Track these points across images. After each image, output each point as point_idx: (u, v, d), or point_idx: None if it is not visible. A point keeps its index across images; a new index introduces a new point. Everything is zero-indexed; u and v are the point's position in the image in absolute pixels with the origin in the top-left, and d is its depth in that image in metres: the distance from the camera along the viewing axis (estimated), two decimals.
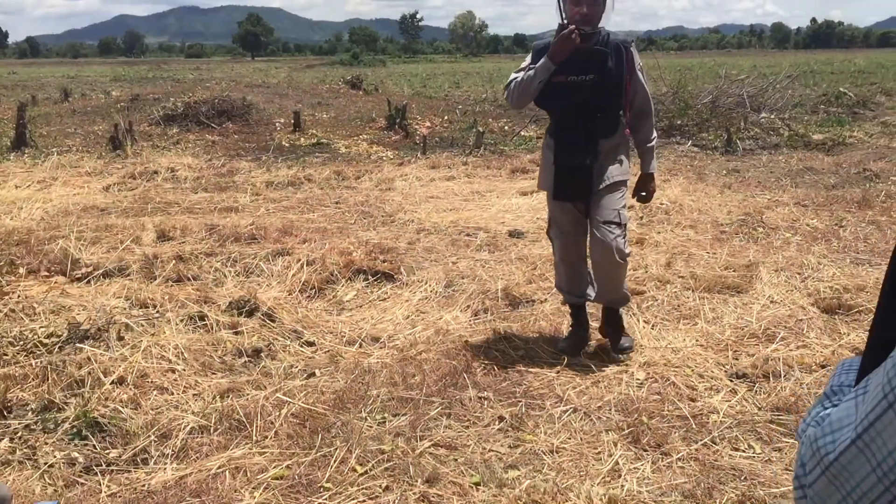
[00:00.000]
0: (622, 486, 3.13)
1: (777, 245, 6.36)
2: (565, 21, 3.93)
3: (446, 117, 17.56)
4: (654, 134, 4.18)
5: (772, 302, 4.92)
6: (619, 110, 4.09)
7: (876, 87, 23.41)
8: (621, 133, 4.11)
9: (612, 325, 4.35)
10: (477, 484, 3.17)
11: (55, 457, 3.27)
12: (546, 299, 5.14)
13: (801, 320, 4.63)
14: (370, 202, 8.38)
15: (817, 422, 1.00)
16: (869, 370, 0.95)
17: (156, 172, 10.08)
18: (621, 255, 4.07)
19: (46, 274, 5.19)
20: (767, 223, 7.06)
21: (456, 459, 3.37)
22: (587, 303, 4.45)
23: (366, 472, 3.26)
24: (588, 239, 4.24)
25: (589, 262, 4.32)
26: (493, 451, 3.43)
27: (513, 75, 4.10)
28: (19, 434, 3.45)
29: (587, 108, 4.01)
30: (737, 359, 4.21)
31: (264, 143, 13.60)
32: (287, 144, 13.70)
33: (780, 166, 10.65)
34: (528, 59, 4.09)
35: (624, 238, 4.08)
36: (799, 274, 5.45)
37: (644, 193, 4.27)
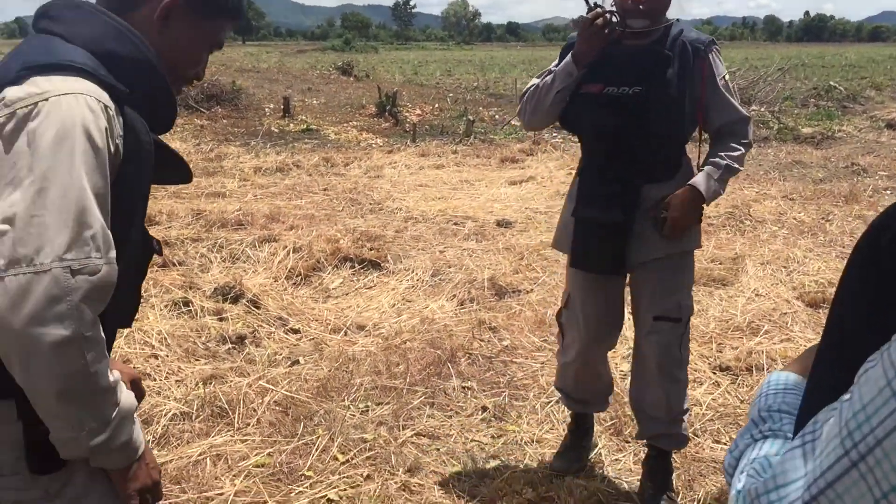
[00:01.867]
0: (603, 477, 3.13)
1: (764, 238, 6.38)
2: (603, 3, 2.67)
3: (437, 105, 17.51)
4: (741, 151, 2.76)
5: (757, 295, 4.94)
6: (681, 143, 2.80)
7: (866, 82, 23.51)
8: (683, 178, 2.76)
9: (659, 475, 2.97)
10: (458, 474, 3.17)
11: None
12: (532, 289, 5.14)
13: (785, 314, 4.64)
14: (358, 189, 8.35)
15: (755, 469, 0.89)
16: (815, 409, 0.84)
17: None
18: (678, 366, 2.86)
19: None
20: (755, 216, 7.08)
21: (438, 449, 3.36)
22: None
23: (347, 461, 3.26)
24: (631, 338, 3.06)
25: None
26: (475, 441, 3.43)
27: (532, 81, 2.85)
28: None
29: (629, 136, 2.69)
30: (720, 352, 4.22)
31: (253, 129, 13.53)
32: (276, 130, 13.64)
33: (769, 159, 10.67)
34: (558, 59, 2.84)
35: (682, 341, 2.84)
36: (784, 267, 5.47)
37: (664, 215, 2.72)
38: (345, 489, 3.08)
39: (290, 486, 3.09)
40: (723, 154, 2.73)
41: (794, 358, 1.08)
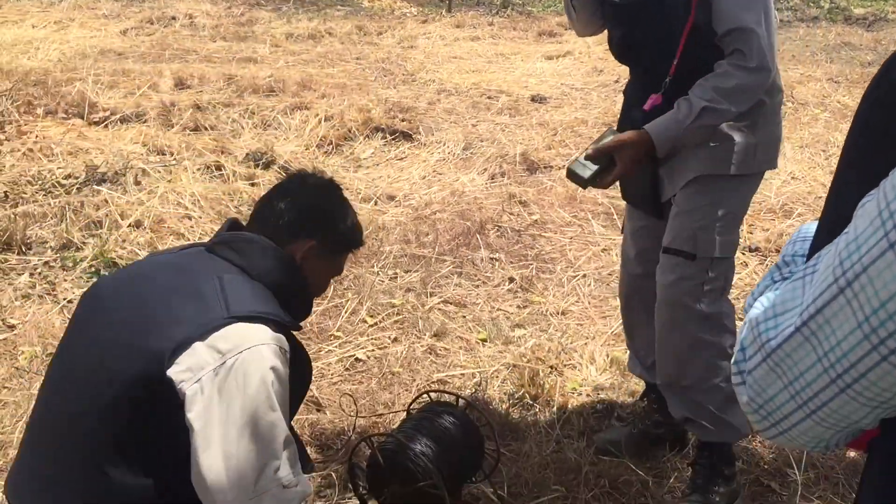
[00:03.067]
0: (626, 349, 3.18)
1: (805, 121, 6.20)
2: None
3: None
4: (735, 82, 2.03)
5: (793, 178, 4.85)
6: (697, 54, 2.10)
7: None
8: None
9: (698, 472, 2.38)
10: (484, 340, 3.25)
11: (74, 293, 3.36)
12: (564, 166, 5.08)
13: (820, 197, 4.57)
14: (391, 60, 8.19)
15: (762, 303, 0.91)
16: (820, 247, 0.87)
17: (173, 18, 9.83)
18: (693, 319, 2.23)
19: (64, 116, 5.16)
20: (797, 98, 6.86)
21: (464, 316, 3.43)
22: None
23: (376, 324, 3.34)
24: None
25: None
26: (501, 310, 3.49)
27: None
28: (39, 270, 3.53)
29: (637, 46, 2.27)
30: (751, 233, 4.19)
31: None
32: None
33: (817, 40, 10.25)
34: None
35: (702, 289, 2.20)
36: (823, 151, 5.34)
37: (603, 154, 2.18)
38: (372, 350, 3.18)
39: (320, 346, 3.18)
40: (706, 85, 2.05)
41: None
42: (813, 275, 0.83)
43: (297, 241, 1.72)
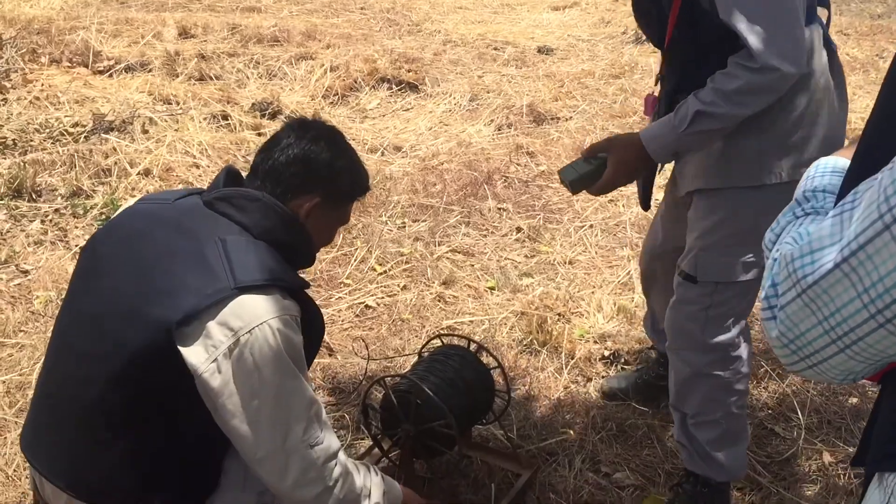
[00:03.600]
0: (632, 298, 3.22)
1: None
2: None
3: None
4: (739, 83, 1.74)
5: None
6: (713, 45, 1.81)
7: None
8: None
9: (687, 493, 2.22)
10: (492, 288, 3.28)
11: (85, 240, 3.38)
12: (571, 117, 5.07)
13: None
14: (396, 10, 8.10)
15: (794, 238, 0.91)
16: (856, 181, 0.85)
17: None
18: (691, 344, 2.06)
19: (68, 65, 5.13)
20: None
21: (473, 265, 3.46)
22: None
23: (385, 272, 3.37)
24: None
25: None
26: (509, 259, 3.52)
27: None
28: (50, 217, 3.55)
29: (654, 26, 1.98)
30: None
31: None
32: None
33: None
34: None
35: (706, 315, 2.01)
36: None
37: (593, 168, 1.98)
38: (382, 297, 3.21)
39: (330, 293, 3.22)
40: (710, 85, 1.78)
41: (844, 147, 1.09)
42: (852, 210, 0.82)
43: (300, 198, 1.66)
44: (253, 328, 1.47)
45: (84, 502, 1.58)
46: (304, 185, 1.66)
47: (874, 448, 0.93)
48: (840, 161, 1.02)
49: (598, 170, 1.96)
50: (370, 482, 1.72)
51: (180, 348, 1.46)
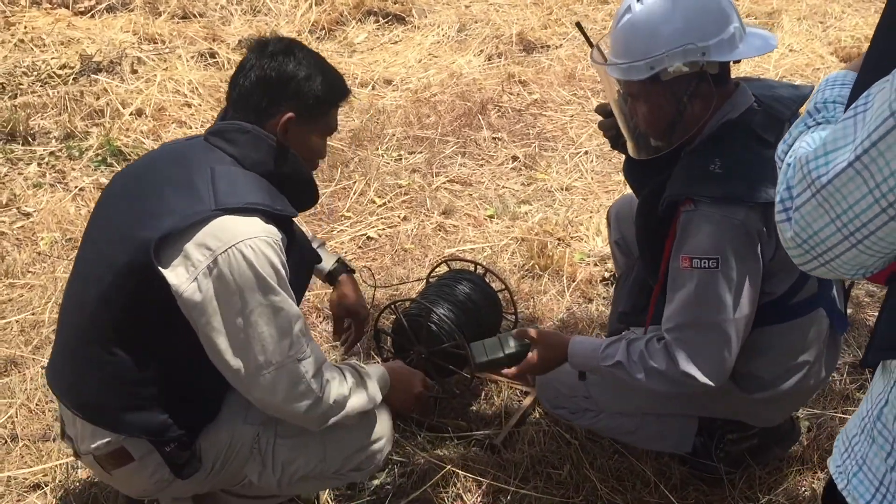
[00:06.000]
0: None
1: None
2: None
3: None
4: (651, 366, 1.78)
5: (791, 50, 4.84)
6: None
7: None
8: None
9: None
10: (491, 216, 3.32)
11: (84, 181, 3.38)
12: (561, 45, 5.05)
13: (818, 69, 4.58)
14: None
15: (808, 143, 0.94)
16: (866, 85, 0.88)
17: None
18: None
19: (49, 6, 5.03)
20: None
21: (471, 195, 3.49)
22: None
23: (384, 204, 3.40)
24: None
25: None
26: (506, 187, 3.55)
27: None
28: (46, 160, 3.54)
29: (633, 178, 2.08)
30: None
31: None
32: None
33: None
34: None
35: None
36: (821, 23, 5.30)
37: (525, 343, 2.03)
38: (383, 228, 3.25)
39: (332, 226, 3.25)
40: (641, 343, 1.81)
41: (853, 61, 1.12)
42: (865, 112, 0.85)
43: (273, 118, 1.64)
44: (230, 247, 1.50)
45: (88, 422, 1.63)
46: (272, 104, 1.64)
47: (879, 340, 0.98)
48: (850, 74, 1.04)
49: (510, 358, 2.00)
50: (351, 381, 1.73)
51: (162, 270, 1.50)
